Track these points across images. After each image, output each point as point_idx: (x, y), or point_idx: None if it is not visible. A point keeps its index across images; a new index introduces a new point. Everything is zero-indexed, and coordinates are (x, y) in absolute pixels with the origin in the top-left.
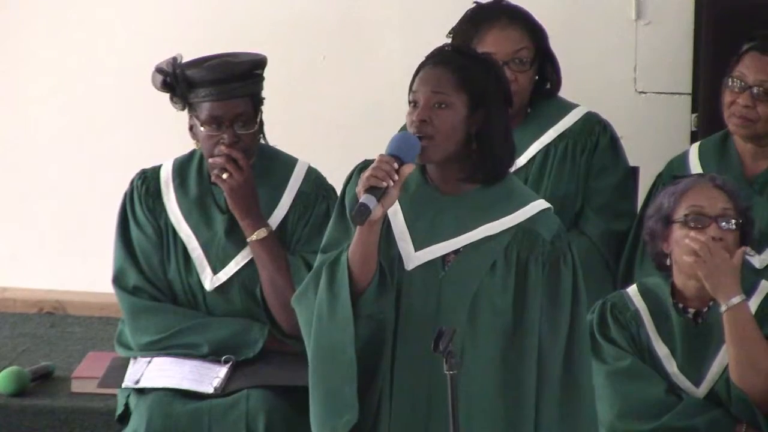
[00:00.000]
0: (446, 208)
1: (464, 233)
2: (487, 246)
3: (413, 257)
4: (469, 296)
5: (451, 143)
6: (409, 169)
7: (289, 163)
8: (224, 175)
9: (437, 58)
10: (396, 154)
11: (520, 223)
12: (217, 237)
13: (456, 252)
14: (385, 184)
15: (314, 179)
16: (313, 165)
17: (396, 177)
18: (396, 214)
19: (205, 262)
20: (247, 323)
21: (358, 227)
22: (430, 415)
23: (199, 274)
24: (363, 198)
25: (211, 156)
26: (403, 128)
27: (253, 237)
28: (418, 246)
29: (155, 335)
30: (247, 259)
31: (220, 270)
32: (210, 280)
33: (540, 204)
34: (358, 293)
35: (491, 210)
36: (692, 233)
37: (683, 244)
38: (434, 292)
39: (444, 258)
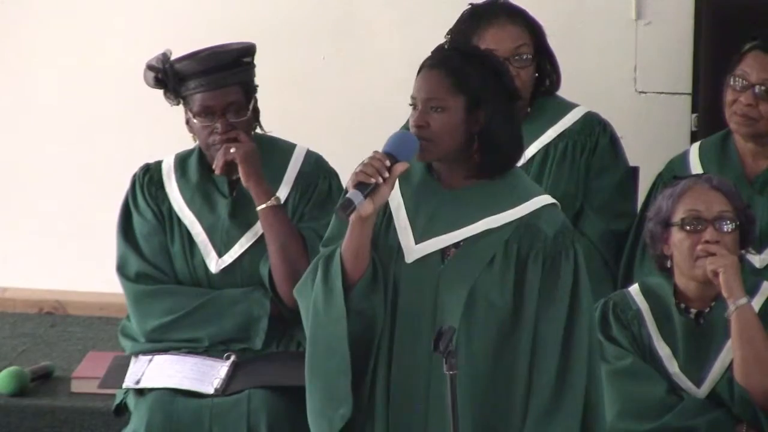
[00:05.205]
0: (448, 202)
1: (465, 227)
2: (487, 240)
3: (413, 250)
4: (466, 290)
5: (450, 144)
6: (402, 167)
7: (288, 147)
8: (232, 149)
9: (434, 60)
10: (390, 152)
11: (522, 217)
12: (221, 220)
13: (456, 245)
14: (373, 180)
15: (314, 161)
16: None
17: (386, 174)
18: (399, 208)
19: (210, 246)
20: (250, 308)
21: (350, 222)
22: (428, 408)
23: (204, 257)
24: (350, 193)
25: (207, 147)
26: (404, 127)
27: (270, 203)
28: (419, 239)
29: (162, 318)
30: (251, 241)
31: (225, 253)
32: (215, 263)
33: (545, 199)
34: (350, 287)
35: (493, 204)
36: (700, 246)
37: (696, 252)
38: (432, 285)
39: (444, 251)
